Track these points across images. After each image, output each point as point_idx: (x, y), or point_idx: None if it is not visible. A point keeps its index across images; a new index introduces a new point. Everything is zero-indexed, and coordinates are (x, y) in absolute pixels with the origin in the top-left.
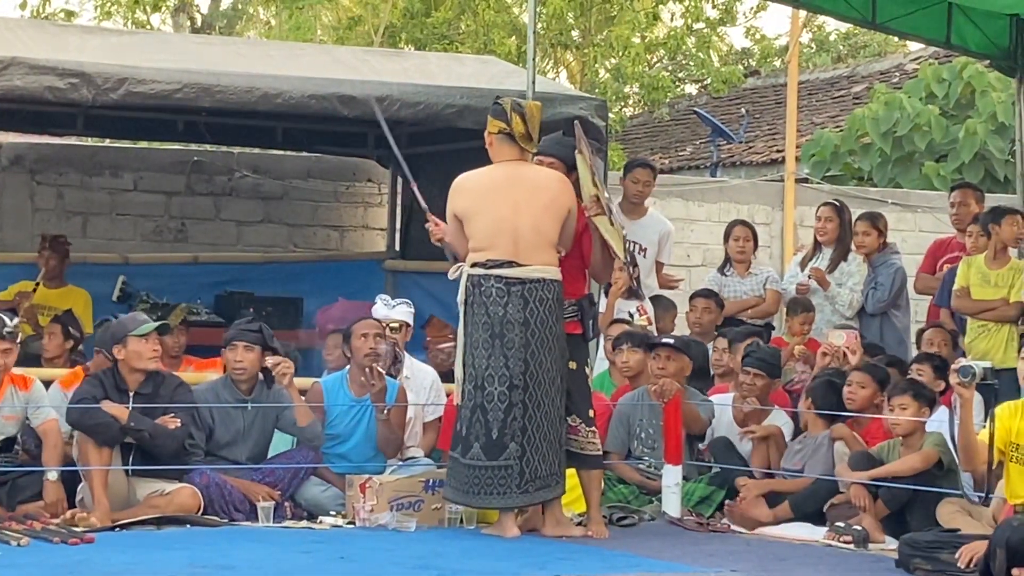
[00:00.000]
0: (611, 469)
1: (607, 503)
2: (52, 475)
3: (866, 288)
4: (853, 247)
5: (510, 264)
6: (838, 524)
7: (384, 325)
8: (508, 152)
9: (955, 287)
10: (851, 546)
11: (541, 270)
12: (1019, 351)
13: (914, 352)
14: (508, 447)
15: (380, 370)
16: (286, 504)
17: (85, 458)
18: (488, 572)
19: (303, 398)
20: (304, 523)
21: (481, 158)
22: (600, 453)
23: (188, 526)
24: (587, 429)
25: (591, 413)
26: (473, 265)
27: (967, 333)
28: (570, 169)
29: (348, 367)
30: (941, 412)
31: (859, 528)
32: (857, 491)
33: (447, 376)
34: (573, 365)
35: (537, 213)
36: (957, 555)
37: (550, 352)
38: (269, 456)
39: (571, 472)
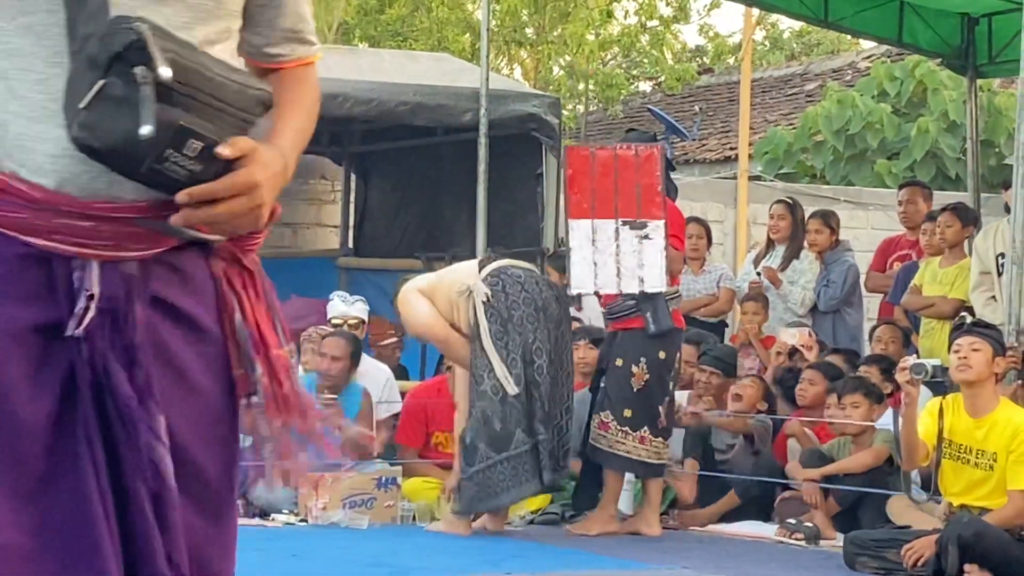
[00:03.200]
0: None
1: (561, 500)
2: None
3: (818, 286)
4: (806, 245)
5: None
6: (789, 521)
7: (350, 335)
8: None
9: (910, 285)
10: (802, 543)
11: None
12: (949, 347)
13: (867, 349)
14: (556, 418)
15: (331, 398)
16: (238, 502)
17: None
18: (441, 569)
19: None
20: (256, 520)
21: (433, 156)
22: (638, 459)
23: None
24: (618, 428)
25: (627, 413)
26: (481, 268)
27: (921, 331)
28: None
29: (318, 372)
30: (889, 412)
31: (810, 525)
32: (808, 488)
33: (398, 373)
34: (620, 362)
35: None
36: (901, 553)
37: (566, 336)
38: None
39: None
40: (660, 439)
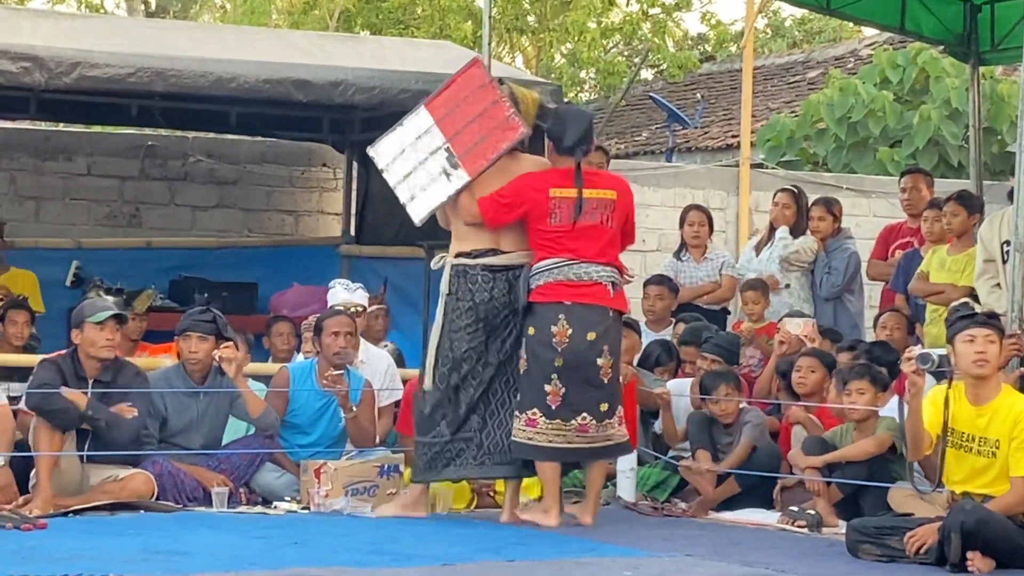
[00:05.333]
0: None
1: (564, 487)
2: None
3: (820, 273)
4: (808, 232)
5: (493, 252)
6: (792, 508)
7: (350, 314)
8: None
9: (917, 272)
10: (804, 530)
11: (523, 256)
12: (951, 334)
13: (868, 337)
14: (469, 419)
15: (336, 373)
16: (240, 490)
17: (37, 444)
18: (442, 557)
19: (260, 384)
20: (259, 509)
21: None
22: (516, 440)
23: (141, 512)
24: (517, 415)
25: (517, 396)
26: (457, 255)
27: (926, 319)
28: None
29: (317, 358)
30: (893, 400)
31: (812, 512)
32: (811, 475)
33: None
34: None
35: None
36: (905, 540)
37: (510, 341)
38: (224, 443)
39: None
40: (559, 420)
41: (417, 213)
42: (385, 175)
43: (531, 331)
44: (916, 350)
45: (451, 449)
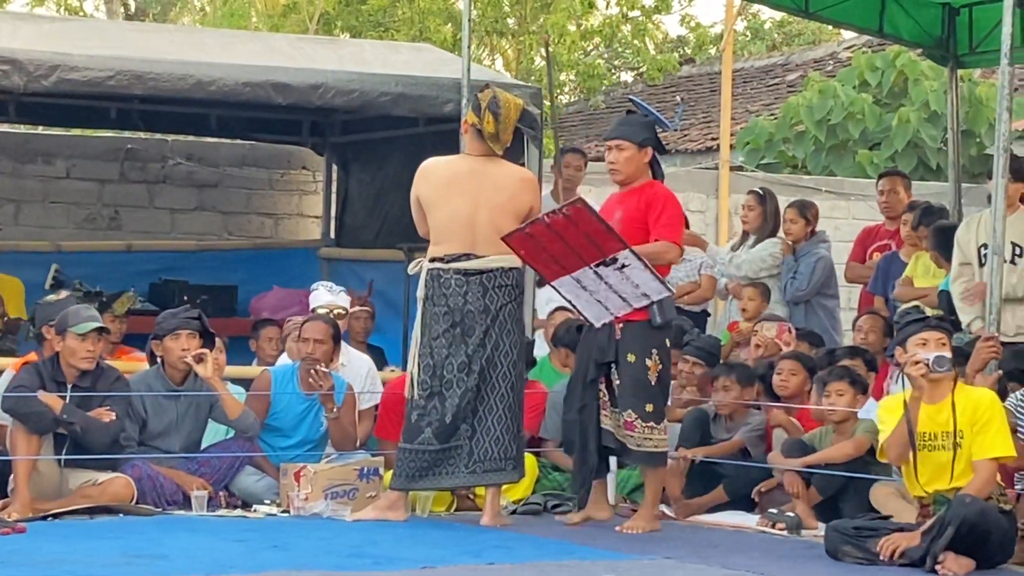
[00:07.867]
0: (545, 456)
1: (542, 491)
2: None
3: (785, 277)
4: (782, 234)
5: (467, 256)
6: (771, 511)
7: (330, 319)
8: (477, 147)
9: (901, 277)
10: (784, 532)
11: (498, 259)
12: (903, 337)
13: (847, 339)
14: (459, 428)
15: (324, 370)
16: (220, 494)
17: (14, 448)
18: (422, 560)
19: (239, 388)
20: (238, 512)
21: (414, 146)
22: (663, 450)
23: (121, 515)
24: (643, 424)
25: (649, 407)
26: (432, 260)
27: None
28: (639, 146)
29: (300, 362)
30: (870, 403)
31: (792, 515)
32: (790, 478)
33: (374, 353)
34: (632, 357)
35: (494, 209)
36: (878, 547)
37: (509, 335)
38: (204, 446)
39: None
40: (665, 425)
41: (663, 292)
42: (621, 316)
43: (668, 343)
44: (922, 354)
45: (439, 458)
